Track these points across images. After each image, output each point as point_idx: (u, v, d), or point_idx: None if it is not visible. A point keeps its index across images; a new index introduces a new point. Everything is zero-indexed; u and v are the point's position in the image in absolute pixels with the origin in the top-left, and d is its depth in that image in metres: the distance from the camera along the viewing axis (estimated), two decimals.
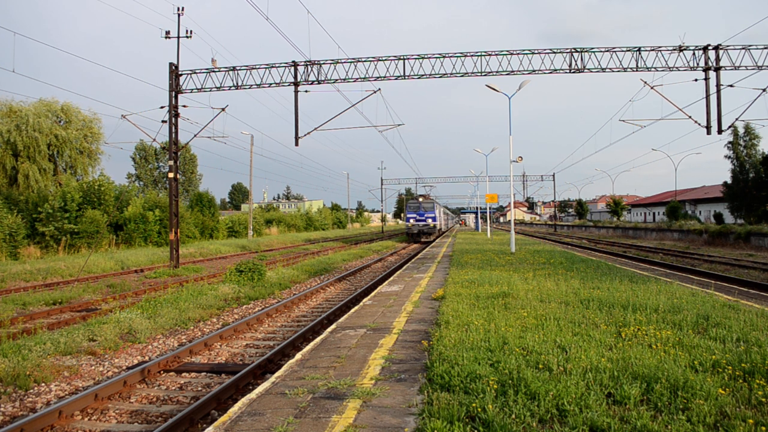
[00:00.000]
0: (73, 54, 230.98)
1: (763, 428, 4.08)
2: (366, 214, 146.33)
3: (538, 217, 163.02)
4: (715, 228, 38.38)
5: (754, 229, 33.63)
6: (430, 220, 44.72)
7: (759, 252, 29.23)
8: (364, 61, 22.81)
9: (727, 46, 21.92)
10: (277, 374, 6.30)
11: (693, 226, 42.75)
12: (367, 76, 22.78)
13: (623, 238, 51.99)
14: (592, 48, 22.33)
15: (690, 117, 22.69)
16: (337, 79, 22.97)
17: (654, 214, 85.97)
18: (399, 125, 27.58)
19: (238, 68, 23.25)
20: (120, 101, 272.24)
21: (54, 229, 29.85)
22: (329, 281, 18.91)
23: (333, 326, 9.06)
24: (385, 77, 22.80)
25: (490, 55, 22.70)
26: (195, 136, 25.03)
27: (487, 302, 9.79)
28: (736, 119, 22.97)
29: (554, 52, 22.54)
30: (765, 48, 21.48)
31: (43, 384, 7.78)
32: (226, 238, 46.24)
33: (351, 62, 22.86)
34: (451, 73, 22.75)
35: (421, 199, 46.97)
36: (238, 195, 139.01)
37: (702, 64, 22.07)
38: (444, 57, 22.69)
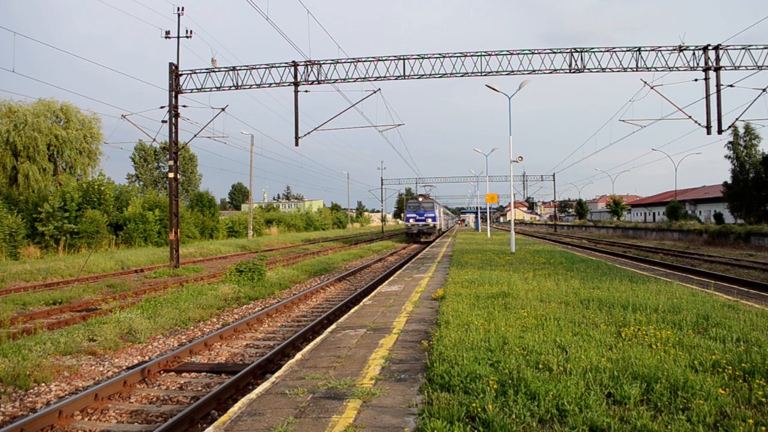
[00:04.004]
0: (73, 54, 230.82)
1: (763, 428, 4.08)
2: (366, 214, 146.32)
3: (538, 217, 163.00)
4: (715, 228, 38.38)
5: (754, 229, 33.64)
6: (430, 220, 44.66)
7: (759, 252, 29.23)
8: (364, 61, 22.81)
9: (727, 46, 21.92)
10: (277, 374, 6.30)
11: (693, 226, 42.76)
12: (367, 76, 22.79)
13: (623, 238, 52.00)
14: (592, 48, 22.34)
15: (690, 117, 22.70)
16: (337, 79, 22.98)
17: (654, 214, 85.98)
18: (399, 125, 27.60)
19: (238, 68, 23.25)
20: (120, 101, 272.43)
21: (54, 229, 29.84)
22: (329, 281, 18.90)
23: (333, 326, 9.06)
24: (385, 77, 22.80)
25: (490, 55, 22.70)
26: (195, 136, 25.05)
27: (487, 302, 9.79)
28: (736, 119, 23.00)
29: (554, 52, 22.54)
30: (765, 48, 21.48)
31: (43, 384, 7.78)
32: (226, 238, 46.25)
33: (351, 62, 22.86)
34: (451, 73, 22.75)
35: (420, 199, 46.88)
36: (238, 195, 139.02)
37: (702, 64, 22.07)
38: (444, 57, 22.69)
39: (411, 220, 45.28)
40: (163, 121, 23.01)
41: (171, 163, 23.32)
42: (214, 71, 23.33)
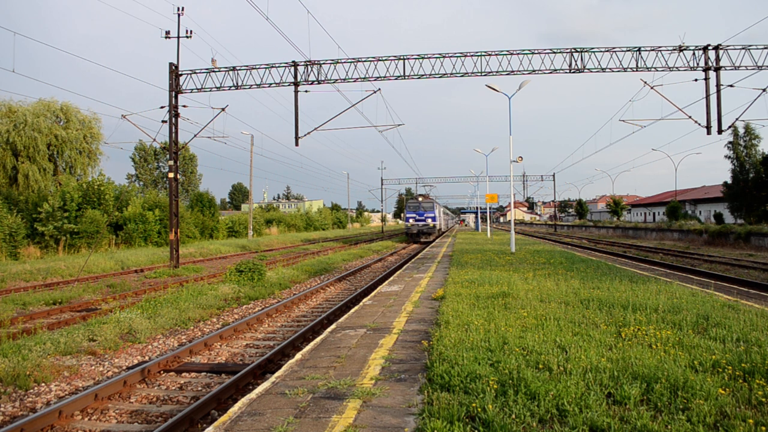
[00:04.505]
0: (73, 54, 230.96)
1: (763, 428, 4.08)
2: (366, 214, 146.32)
3: (538, 217, 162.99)
4: (715, 228, 38.38)
5: (754, 229, 33.64)
6: (429, 220, 44.59)
7: (759, 252, 29.22)
8: (364, 61, 22.81)
9: (727, 46, 21.92)
10: (277, 374, 6.30)
11: (693, 226, 42.76)
12: (367, 76, 22.79)
13: (623, 238, 51.99)
14: (592, 48, 22.34)
15: (690, 117, 22.70)
16: (337, 79, 22.99)
17: (654, 214, 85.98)
18: (399, 125, 27.61)
19: (238, 68, 23.25)
20: (120, 101, 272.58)
21: (54, 229, 29.84)
22: (329, 281, 18.90)
23: (333, 326, 9.06)
24: (385, 77, 22.81)
25: (490, 55, 22.71)
26: (195, 136, 25.05)
27: (487, 302, 9.79)
28: (736, 119, 22.99)
29: (554, 52, 22.54)
30: (765, 48, 21.48)
31: (43, 384, 7.78)
32: (226, 238, 46.25)
33: (351, 62, 22.86)
34: (451, 73, 22.75)
35: (420, 199, 46.78)
36: (238, 195, 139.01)
37: (702, 64, 22.07)
38: (444, 57, 22.69)
39: (411, 220, 45.20)
40: (163, 121, 23.02)
41: (171, 163, 23.32)
42: (214, 71, 23.33)
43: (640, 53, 22.16)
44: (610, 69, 22.25)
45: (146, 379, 8.03)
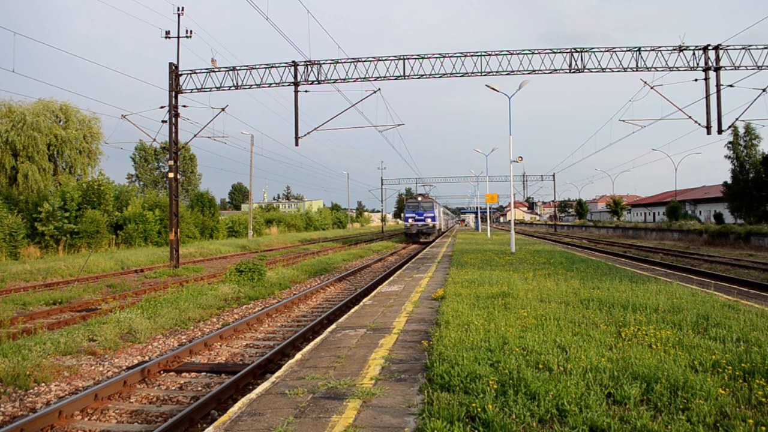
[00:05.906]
0: (73, 54, 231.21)
1: (763, 428, 4.08)
2: (366, 214, 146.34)
3: (538, 217, 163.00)
4: (715, 228, 38.39)
5: (754, 229, 33.64)
6: (429, 220, 44.48)
7: (759, 252, 29.23)
8: (364, 61, 22.82)
9: (727, 46, 21.93)
10: (277, 374, 6.30)
11: (693, 226, 42.77)
12: (367, 76, 22.79)
13: (623, 238, 51.99)
14: (592, 48, 22.34)
15: (690, 117, 22.71)
16: (337, 79, 22.99)
17: (654, 214, 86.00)
18: (399, 125, 27.61)
19: (238, 68, 23.25)
20: (120, 101, 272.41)
21: (54, 229, 29.83)
22: (329, 281, 18.90)
23: (333, 326, 9.06)
24: (385, 77, 22.81)
25: (490, 55, 22.71)
26: (195, 136, 25.06)
27: (487, 302, 9.79)
28: (736, 119, 23.00)
29: (554, 52, 22.54)
30: (765, 48, 21.48)
31: (43, 384, 7.78)
32: (226, 238, 46.25)
33: (351, 62, 22.86)
34: (451, 73, 22.75)
35: (420, 198, 46.63)
36: (238, 195, 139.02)
37: (702, 64, 22.07)
38: (444, 57, 22.70)
39: (410, 220, 45.08)
40: (163, 121, 23.02)
41: (171, 163, 23.32)
42: (214, 71, 23.33)
43: (640, 53, 22.16)
44: (610, 69, 22.26)
45: (146, 379, 8.03)
